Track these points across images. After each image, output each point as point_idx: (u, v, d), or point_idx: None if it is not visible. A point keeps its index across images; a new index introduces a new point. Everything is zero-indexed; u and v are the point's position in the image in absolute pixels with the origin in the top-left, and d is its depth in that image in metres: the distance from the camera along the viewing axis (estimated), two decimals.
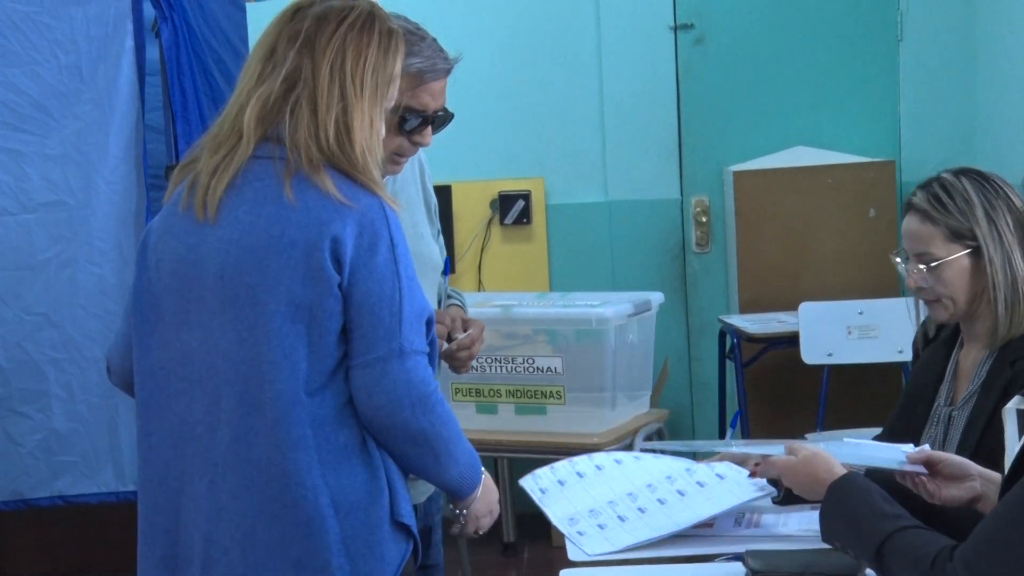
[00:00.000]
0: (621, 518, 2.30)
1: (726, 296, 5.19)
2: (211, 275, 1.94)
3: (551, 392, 4.12)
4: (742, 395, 4.66)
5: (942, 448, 2.33)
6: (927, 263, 2.29)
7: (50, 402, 3.86)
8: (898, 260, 2.36)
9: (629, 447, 4.30)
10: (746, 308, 4.96)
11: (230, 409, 1.91)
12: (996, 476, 1.98)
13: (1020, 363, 2.25)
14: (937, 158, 4.84)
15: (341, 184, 1.93)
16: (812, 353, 4.42)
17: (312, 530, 1.87)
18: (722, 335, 4.87)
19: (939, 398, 2.39)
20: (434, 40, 2.30)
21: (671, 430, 4.96)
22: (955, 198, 2.27)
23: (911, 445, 2.10)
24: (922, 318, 2.42)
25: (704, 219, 5.18)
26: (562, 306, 4.36)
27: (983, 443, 2.25)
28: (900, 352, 2.56)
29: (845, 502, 1.88)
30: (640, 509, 2.23)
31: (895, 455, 2.05)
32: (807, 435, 4.29)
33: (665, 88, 5.10)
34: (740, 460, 2.33)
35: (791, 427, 4.74)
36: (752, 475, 2.24)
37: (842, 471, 1.94)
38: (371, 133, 1.96)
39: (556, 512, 2.30)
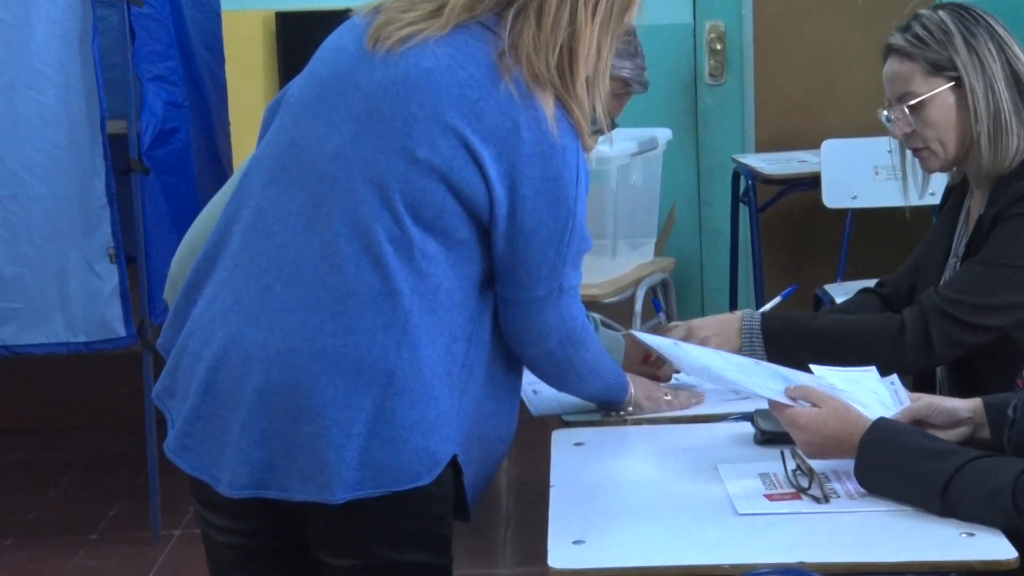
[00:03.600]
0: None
1: (741, 133, 5.15)
2: (374, 80, 1.91)
3: None
4: (756, 242, 4.67)
5: None
6: (909, 104, 2.34)
7: None
8: (883, 113, 2.41)
9: (631, 299, 4.31)
10: (763, 147, 4.93)
11: (327, 222, 1.90)
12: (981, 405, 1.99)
13: (1000, 202, 2.30)
14: None
15: (557, 112, 1.92)
16: (835, 196, 4.41)
17: (355, 383, 1.86)
18: (736, 176, 4.86)
19: (952, 249, 2.44)
20: (643, 59, 2.46)
21: (677, 280, 4.97)
22: (932, 31, 2.34)
23: (886, 385, 2.09)
24: (910, 176, 2.47)
25: (719, 47, 5.11)
26: None
27: None
28: (932, 194, 2.55)
29: (885, 452, 1.86)
30: None
31: (771, 383, 2.02)
32: (826, 286, 4.31)
33: None
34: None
35: (809, 278, 4.75)
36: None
37: (868, 419, 1.91)
38: (597, 62, 1.95)
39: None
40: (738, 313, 2.43)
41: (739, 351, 2.36)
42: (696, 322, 2.44)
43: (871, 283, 2.64)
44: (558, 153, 1.92)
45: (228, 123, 4.47)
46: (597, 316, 2.44)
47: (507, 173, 1.90)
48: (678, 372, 2.41)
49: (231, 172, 4.31)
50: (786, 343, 2.32)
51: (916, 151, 2.40)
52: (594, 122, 2.10)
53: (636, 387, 2.28)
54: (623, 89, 2.40)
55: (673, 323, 2.49)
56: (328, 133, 1.93)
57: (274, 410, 1.88)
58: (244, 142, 4.36)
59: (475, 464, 1.99)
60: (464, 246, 1.92)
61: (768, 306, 2.57)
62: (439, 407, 1.89)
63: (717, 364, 2.12)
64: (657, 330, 2.47)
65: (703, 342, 2.37)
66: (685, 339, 2.39)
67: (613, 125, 2.29)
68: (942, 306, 2.27)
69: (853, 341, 2.27)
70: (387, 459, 1.86)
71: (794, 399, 1.98)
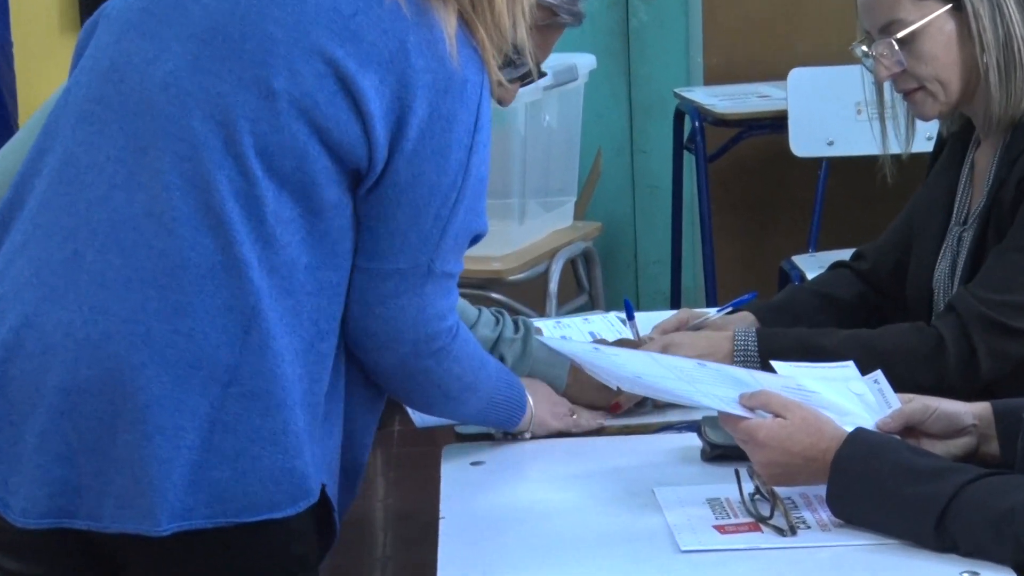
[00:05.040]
0: None
1: (685, 60, 5.20)
2: None
3: None
4: (705, 202, 4.71)
5: (951, 283, 2.42)
6: (896, 35, 2.36)
7: None
8: (862, 49, 2.43)
9: (544, 276, 4.33)
10: (713, 78, 4.96)
11: (155, 171, 1.89)
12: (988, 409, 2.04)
13: (1023, 159, 2.34)
14: None
15: (459, 35, 1.94)
16: (805, 141, 4.46)
17: (186, 379, 1.86)
18: (678, 116, 4.90)
19: (953, 214, 2.48)
20: None
21: (604, 252, 5.01)
22: None
23: (869, 384, 2.14)
24: (889, 121, 2.51)
25: None
26: None
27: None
28: (928, 139, 2.59)
29: (865, 471, 1.89)
30: None
31: (721, 390, 2.06)
32: (794, 257, 4.36)
33: None
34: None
35: (773, 247, 4.81)
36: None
37: (844, 431, 1.94)
38: None
39: None
40: (727, 331, 2.44)
41: None
42: (677, 338, 2.46)
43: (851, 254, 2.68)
44: (455, 87, 1.93)
45: (10, 44, 4.41)
46: (530, 321, 2.41)
47: (391, 109, 1.91)
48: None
49: (14, 111, 4.26)
50: None
51: (908, 94, 2.42)
52: (514, 64, 2.12)
53: (538, 402, 2.28)
54: (548, 19, 2.30)
55: (647, 335, 2.50)
56: (159, 56, 1.93)
57: (82, 414, 1.88)
58: (32, 73, 4.31)
59: (340, 493, 2.01)
60: (334, 211, 1.93)
61: (715, 313, 2.59)
62: (299, 417, 1.90)
63: (651, 371, 2.14)
64: (624, 345, 2.46)
65: None
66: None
67: (540, 72, 2.28)
68: (986, 312, 2.29)
69: (881, 363, 2.25)
70: (229, 480, 1.87)
71: (751, 408, 2.01)
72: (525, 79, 2.23)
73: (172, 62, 1.92)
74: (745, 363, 2.39)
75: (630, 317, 2.62)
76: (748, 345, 2.41)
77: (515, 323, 2.38)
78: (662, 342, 2.44)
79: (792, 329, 2.45)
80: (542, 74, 2.28)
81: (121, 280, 1.89)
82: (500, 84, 2.20)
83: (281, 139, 1.89)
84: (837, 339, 2.39)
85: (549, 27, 2.29)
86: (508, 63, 2.18)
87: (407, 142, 1.92)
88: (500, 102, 2.24)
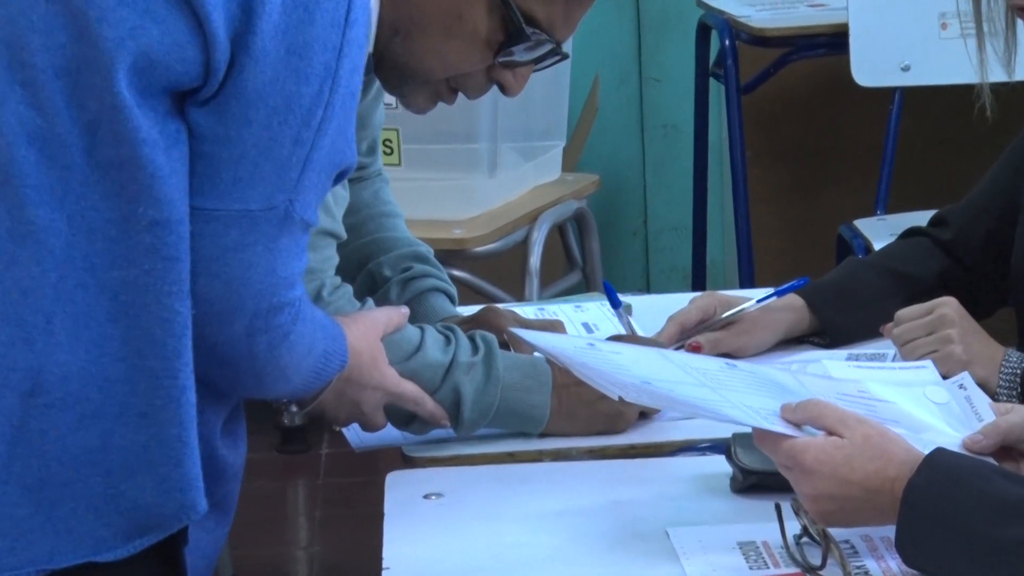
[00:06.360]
0: None
1: None
2: None
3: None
4: (738, 147, 4.73)
5: None
6: None
7: None
8: None
9: (522, 247, 4.34)
10: None
11: None
12: None
13: None
14: None
15: None
16: (872, 67, 4.47)
17: None
18: (703, 33, 4.92)
19: None
20: None
21: (602, 214, 5.02)
22: None
23: (952, 390, 2.15)
24: (989, 39, 2.52)
25: None
26: None
27: None
28: None
29: (945, 506, 1.89)
30: None
31: (756, 399, 2.08)
32: (856, 221, 4.37)
33: None
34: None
35: (827, 207, 4.82)
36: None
37: (919, 453, 1.94)
38: None
39: None
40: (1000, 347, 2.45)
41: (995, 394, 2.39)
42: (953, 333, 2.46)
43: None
44: None
45: None
46: (491, 336, 2.40)
47: (240, 14, 1.91)
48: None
49: None
50: None
51: (1022, 9, 2.46)
52: (528, 40, 2.15)
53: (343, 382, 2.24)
54: None
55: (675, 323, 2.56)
56: None
57: None
58: None
59: (200, 529, 2.02)
60: (166, 143, 1.93)
61: (751, 305, 2.60)
62: (130, 428, 1.92)
63: (665, 375, 2.13)
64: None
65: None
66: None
67: (561, 52, 2.26)
68: None
69: None
70: (36, 517, 1.90)
71: (797, 424, 2.02)
72: (542, 61, 2.24)
73: None
74: (1010, 384, 2.41)
75: (615, 305, 2.62)
76: (1018, 367, 2.43)
77: (472, 341, 2.37)
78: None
79: None
80: (564, 55, 2.27)
81: None
82: (508, 66, 2.22)
83: (84, 53, 1.89)
84: None
85: None
86: (521, 38, 2.19)
87: (255, 38, 1.91)
88: (505, 90, 2.25)
